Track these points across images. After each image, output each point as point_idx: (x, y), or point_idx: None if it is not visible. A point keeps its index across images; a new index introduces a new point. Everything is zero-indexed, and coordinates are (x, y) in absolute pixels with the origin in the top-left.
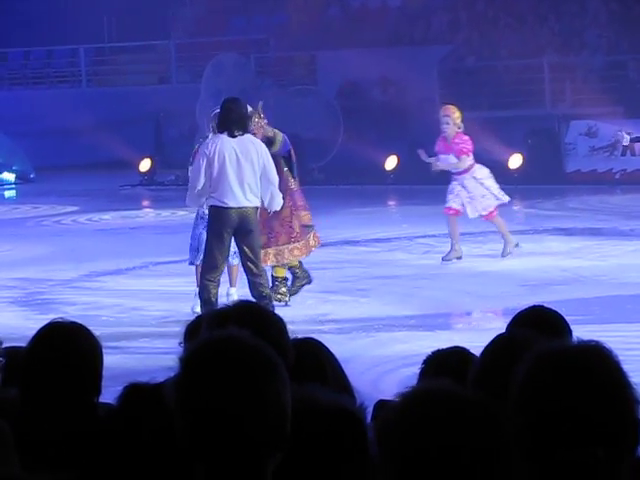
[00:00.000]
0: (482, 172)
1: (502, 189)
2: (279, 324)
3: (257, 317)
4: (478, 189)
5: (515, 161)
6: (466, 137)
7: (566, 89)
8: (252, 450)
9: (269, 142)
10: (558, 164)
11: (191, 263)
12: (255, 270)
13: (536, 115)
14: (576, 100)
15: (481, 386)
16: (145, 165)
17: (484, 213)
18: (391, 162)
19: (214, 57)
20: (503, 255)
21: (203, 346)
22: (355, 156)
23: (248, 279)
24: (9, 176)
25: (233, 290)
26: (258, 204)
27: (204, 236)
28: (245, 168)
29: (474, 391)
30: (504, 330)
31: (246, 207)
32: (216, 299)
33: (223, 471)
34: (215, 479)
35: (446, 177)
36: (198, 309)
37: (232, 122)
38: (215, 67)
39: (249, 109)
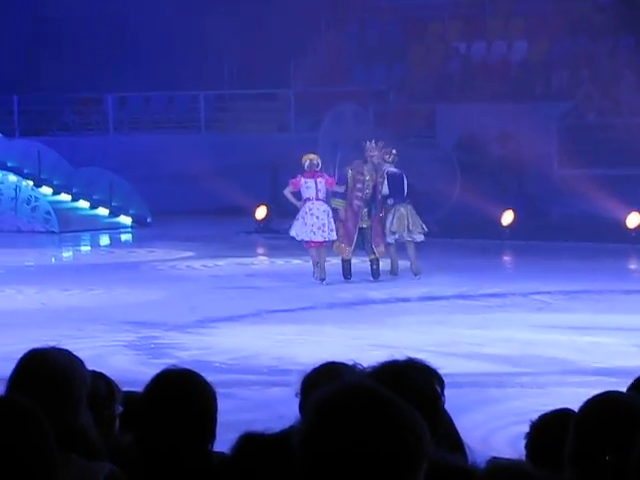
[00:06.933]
0: None
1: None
2: (422, 388)
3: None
4: None
5: (633, 220)
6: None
7: None
8: None
9: None
10: None
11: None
12: None
13: None
14: None
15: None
16: (261, 213)
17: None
18: (508, 217)
19: (333, 107)
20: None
21: (337, 392)
22: (471, 210)
23: None
24: (126, 220)
25: None
26: None
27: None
28: None
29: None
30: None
31: None
32: None
33: None
34: None
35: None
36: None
37: None
38: (334, 117)
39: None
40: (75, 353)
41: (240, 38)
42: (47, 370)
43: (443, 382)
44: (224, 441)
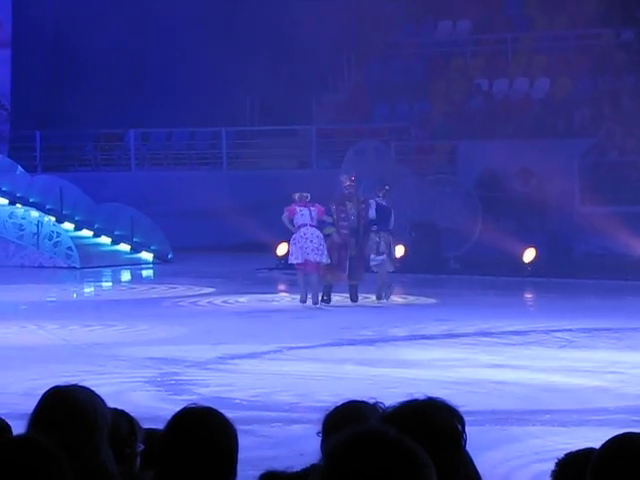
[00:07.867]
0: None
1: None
2: (447, 434)
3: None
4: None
5: None
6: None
7: None
8: None
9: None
10: None
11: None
12: None
13: None
14: None
15: None
16: (282, 249)
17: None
18: (529, 254)
19: (355, 143)
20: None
21: (351, 439)
22: (492, 247)
23: None
24: (147, 255)
25: None
26: None
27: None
28: None
29: None
30: None
31: None
32: None
33: None
34: None
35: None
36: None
37: None
38: (356, 153)
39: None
40: (96, 389)
41: (262, 74)
42: (68, 408)
43: (464, 421)
44: (245, 478)
